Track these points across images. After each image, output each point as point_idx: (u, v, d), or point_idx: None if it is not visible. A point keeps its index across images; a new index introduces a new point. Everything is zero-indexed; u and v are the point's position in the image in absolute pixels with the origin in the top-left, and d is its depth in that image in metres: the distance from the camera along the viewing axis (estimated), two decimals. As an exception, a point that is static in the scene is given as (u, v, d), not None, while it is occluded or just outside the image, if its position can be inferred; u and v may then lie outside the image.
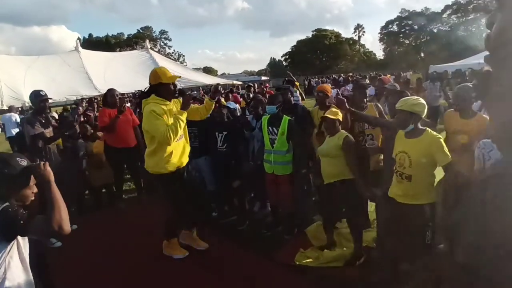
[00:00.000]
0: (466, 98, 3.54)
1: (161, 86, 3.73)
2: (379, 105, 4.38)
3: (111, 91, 5.82)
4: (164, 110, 3.65)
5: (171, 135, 3.49)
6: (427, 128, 2.99)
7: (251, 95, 9.37)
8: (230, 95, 9.72)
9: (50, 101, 6.41)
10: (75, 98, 16.61)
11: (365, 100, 4.26)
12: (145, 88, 3.84)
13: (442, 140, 2.85)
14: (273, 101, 4.35)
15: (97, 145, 5.86)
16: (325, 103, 4.65)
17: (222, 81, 22.95)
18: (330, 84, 14.56)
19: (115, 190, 6.07)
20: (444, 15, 56.52)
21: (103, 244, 4.57)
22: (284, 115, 4.33)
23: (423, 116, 2.95)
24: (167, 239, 4.16)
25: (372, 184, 3.71)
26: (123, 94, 18.04)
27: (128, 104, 9.11)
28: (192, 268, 3.87)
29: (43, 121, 4.86)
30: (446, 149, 2.82)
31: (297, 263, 3.80)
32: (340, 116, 3.77)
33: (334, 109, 3.84)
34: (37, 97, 4.87)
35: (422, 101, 2.96)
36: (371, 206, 4.46)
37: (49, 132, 4.89)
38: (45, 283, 2.99)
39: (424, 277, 3.07)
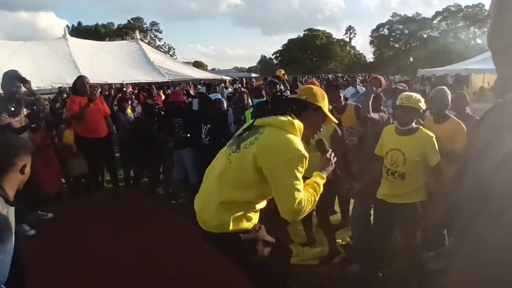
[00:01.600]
0: (440, 101, 3.36)
1: (317, 112, 2.29)
2: (359, 106, 4.24)
3: (81, 79, 5.49)
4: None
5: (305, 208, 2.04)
6: (420, 126, 2.97)
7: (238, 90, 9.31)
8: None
9: (34, 88, 6.18)
10: (60, 86, 16.28)
11: (340, 100, 4.12)
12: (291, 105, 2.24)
13: (434, 139, 2.83)
14: (259, 94, 4.30)
15: (67, 135, 5.65)
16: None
17: (211, 76, 22.78)
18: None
19: (92, 180, 5.91)
20: (435, 21, 57.22)
21: (76, 233, 4.45)
22: None
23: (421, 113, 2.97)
24: None
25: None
26: (110, 84, 17.83)
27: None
28: (168, 258, 3.80)
29: (12, 109, 4.40)
30: (437, 149, 2.82)
31: (277, 259, 3.75)
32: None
33: None
34: (11, 79, 4.41)
35: (420, 97, 2.95)
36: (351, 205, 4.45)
37: (19, 120, 4.47)
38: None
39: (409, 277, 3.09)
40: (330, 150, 2.35)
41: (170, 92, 9.41)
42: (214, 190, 2.15)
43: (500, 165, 0.72)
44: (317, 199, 2.14)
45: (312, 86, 2.45)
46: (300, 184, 2.01)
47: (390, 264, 3.44)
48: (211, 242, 2.32)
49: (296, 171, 2.00)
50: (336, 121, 2.53)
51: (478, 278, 0.75)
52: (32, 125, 4.65)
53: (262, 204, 2.26)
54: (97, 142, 5.39)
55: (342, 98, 4.15)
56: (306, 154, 2.03)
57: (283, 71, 7.95)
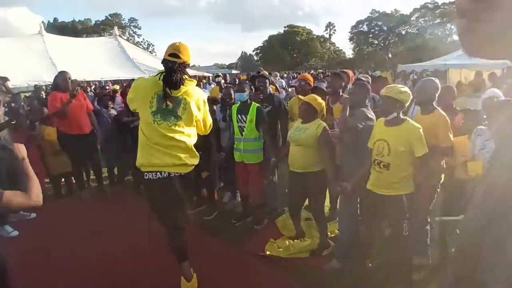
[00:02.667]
0: (427, 91, 3.32)
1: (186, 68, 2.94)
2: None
3: (62, 74, 5.31)
4: None
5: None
6: (408, 118, 3.01)
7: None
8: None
9: (10, 85, 5.97)
10: (36, 84, 15.85)
11: (338, 89, 4.19)
12: (178, 65, 2.82)
13: (421, 131, 2.85)
14: (242, 88, 4.26)
15: (50, 132, 5.48)
16: (307, 92, 4.60)
17: (192, 72, 22.59)
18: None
19: (75, 179, 5.76)
20: (413, 18, 58.10)
21: (61, 233, 4.34)
22: (253, 102, 4.27)
23: (406, 106, 2.96)
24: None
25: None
26: (88, 81, 17.47)
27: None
28: (157, 256, 3.74)
29: None
30: (424, 140, 2.84)
31: (268, 253, 3.76)
32: (320, 105, 3.64)
33: (314, 96, 3.74)
34: None
35: (408, 90, 2.96)
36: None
37: None
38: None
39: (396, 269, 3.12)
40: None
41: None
42: None
43: None
44: None
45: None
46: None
47: (378, 255, 3.48)
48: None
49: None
50: None
51: None
52: (12, 122, 4.49)
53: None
54: (81, 139, 5.25)
55: (342, 87, 4.21)
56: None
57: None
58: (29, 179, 1.84)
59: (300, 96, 3.56)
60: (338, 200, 4.45)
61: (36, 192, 1.83)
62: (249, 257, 3.75)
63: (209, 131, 3.27)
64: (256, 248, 3.86)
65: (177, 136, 2.82)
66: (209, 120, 3.22)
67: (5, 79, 4.31)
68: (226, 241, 4.05)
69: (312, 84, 4.75)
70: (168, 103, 2.80)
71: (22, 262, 3.44)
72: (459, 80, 15.68)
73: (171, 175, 2.83)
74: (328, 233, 3.95)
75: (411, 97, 2.99)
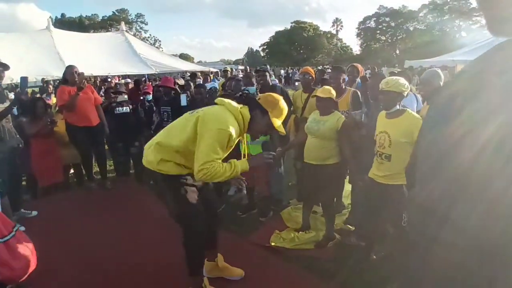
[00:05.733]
0: (431, 82, 3.37)
1: (263, 116, 2.72)
2: (357, 92, 4.30)
3: (69, 68, 5.42)
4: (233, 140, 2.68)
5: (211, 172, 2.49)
6: (408, 109, 3.02)
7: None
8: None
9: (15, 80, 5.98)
10: (44, 78, 15.97)
11: (339, 81, 4.22)
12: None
13: (421, 121, 2.86)
14: (250, 81, 4.30)
15: (59, 124, 5.49)
16: (310, 85, 4.61)
17: (199, 68, 22.63)
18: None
19: (84, 171, 5.83)
20: (421, 14, 57.53)
21: (68, 226, 4.39)
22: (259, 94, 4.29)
23: (405, 96, 3.00)
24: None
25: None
26: (95, 76, 17.56)
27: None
28: (165, 249, 3.78)
29: None
30: None
31: (273, 244, 3.78)
32: (333, 95, 3.62)
33: (327, 87, 3.71)
34: None
35: (406, 81, 3.00)
36: (346, 191, 4.49)
37: (2, 107, 4.35)
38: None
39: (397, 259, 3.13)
40: (272, 154, 2.84)
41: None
42: (159, 134, 2.81)
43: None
44: (227, 175, 2.56)
45: (273, 96, 2.80)
46: (216, 153, 2.49)
47: (381, 246, 3.50)
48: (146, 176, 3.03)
49: (218, 142, 2.49)
50: (284, 132, 2.88)
51: (458, 267, 0.74)
52: (14, 106, 4.52)
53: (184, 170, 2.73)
54: (88, 131, 5.37)
55: (342, 80, 4.21)
56: (234, 136, 2.55)
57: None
58: None
59: (318, 94, 3.58)
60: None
61: None
62: (254, 248, 3.79)
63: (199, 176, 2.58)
64: (261, 240, 3.89)
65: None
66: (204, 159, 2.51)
67: (5, 67, 4.32)
68: (232, 232, 4.07)
69: (314, 76, 4.77)
70: None
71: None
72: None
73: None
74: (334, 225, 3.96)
75: (409, 87, 3.01)
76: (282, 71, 31.71)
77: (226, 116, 2.58)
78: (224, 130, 2.49)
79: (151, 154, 2.72)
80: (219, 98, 2.81)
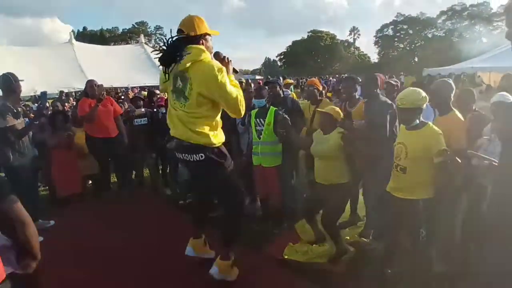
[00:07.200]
0: (441, 93, 3.27)
1: (206, 39, 2.96)
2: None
3: (89, 82, 5.71)
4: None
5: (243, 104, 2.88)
6: (429, 122, 2.96)
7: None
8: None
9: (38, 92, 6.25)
10: (67, 91, 16.40)
11: (351, 91, 4.20)
12: (172, 38, 2.83)
13: (442, 136, 2.81)
14: (261, 94, 4.32)
15: (80, 135, 5.78)
16: (316, 97, 4.61)
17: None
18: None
19: (102, 182, 5.96)
20: (439, 21, 56.85)
21: (85, 236, 4.45)
22: (271, 106, 4.31)
23: (424, 107, 2.92)
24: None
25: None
26: (116, 88, 17.93)
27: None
28: (179, 260, 3.80)
29: (15, 110, 4.35)
30: (444, 146, 2.77)
31: (286, 257, 3.76)
32: (339, 113, 3.62)
33: (332, 106, 3.72)
34: (7, 81, 4.32)
35: (422, 92, 2.92)
36: (360, 202, 4.44)
37: (21, 122, 4.45)
38: None
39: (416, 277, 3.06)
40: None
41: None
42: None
43: None
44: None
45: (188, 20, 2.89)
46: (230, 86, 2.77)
47: (398, 262, 3.42)
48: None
49: (223, 79, 2.71)
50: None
51: None
52: (36, 122, 4.69)
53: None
54: (107, 142, 5.54)
55: (354, 91, 4.20)
56: (220, 65, 2.76)
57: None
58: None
59: (319, 109, 3.59)
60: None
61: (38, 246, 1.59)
62: (268, 260, 3.76)
63: (242, 111, 2.92)
64: (275, 252, 3.87)
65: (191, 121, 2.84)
66: (232, 98, 2.79)
67: (15, 77, 4.45)
68: (245, 244, 4.06)
69: (320, 88, 4.77)
70: (179, 81, 2.84)
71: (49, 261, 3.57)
72: (488, 83, 15.24)
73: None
74: (347, 237, 3.92)
75: (427, 98, 2.93)
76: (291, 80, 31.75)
77: (207, 64, 2.75)
78: (218, 68, 2.73)
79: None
80: (181, 64, 2.78)
